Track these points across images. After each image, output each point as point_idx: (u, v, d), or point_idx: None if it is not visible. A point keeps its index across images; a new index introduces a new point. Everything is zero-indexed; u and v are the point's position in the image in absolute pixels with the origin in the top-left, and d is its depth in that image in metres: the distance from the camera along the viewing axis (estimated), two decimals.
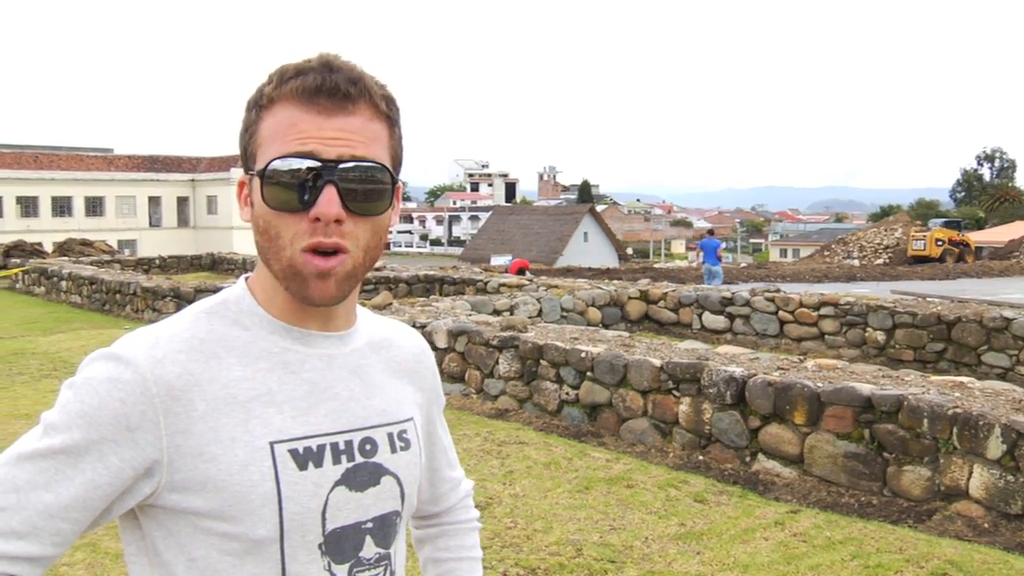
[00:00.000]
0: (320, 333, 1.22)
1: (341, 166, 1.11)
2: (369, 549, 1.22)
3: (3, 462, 1.08)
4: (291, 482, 1.13)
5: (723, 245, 21.59)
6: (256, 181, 1.14)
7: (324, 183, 1.10)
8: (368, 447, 1.22)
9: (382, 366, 1.31)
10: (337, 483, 1.17)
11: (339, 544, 1.18)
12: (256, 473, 1.11)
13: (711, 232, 24.57)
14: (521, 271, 21.20)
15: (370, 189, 1.14)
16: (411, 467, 1.28)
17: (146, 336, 1.14)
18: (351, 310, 1.28)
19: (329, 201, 1.10)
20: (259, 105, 1.16)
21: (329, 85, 1.12)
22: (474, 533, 1.52)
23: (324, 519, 1.16)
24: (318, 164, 1.11)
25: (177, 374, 1.11)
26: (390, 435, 1.26)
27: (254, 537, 1.12)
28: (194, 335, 1.15)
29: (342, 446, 1.19)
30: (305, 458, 1.15)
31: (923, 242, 37.73)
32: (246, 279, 1.25)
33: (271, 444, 1.13)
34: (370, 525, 1.21)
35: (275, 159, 1.11)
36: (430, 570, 1.49)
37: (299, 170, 1.11)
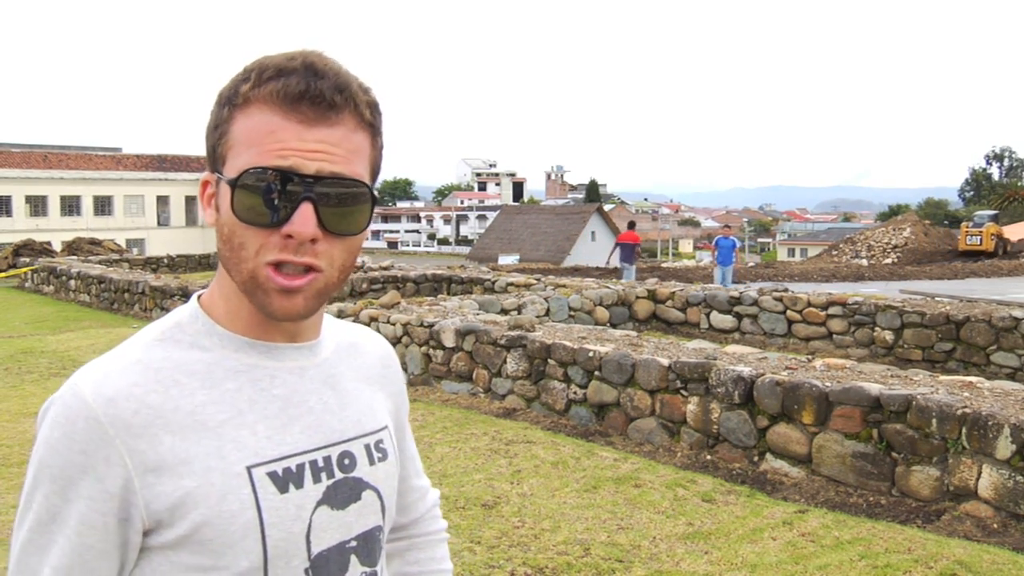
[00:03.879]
0: (288, 345, 1.16)
1: (320, 183, 1.04)
2: (355, 569, 1.17)
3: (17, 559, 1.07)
4: (273, 507, 1.08)
5: (737, 244, 21.15)
6: (225, 188, 1.07)
7: (300, 199, 1.04)
8: (347, 462, 1.17)
9: (352, 373, 1.25)
10: (319, 503, 1.12)
11: (326, 567, 1.13)
12: (235, 502, 1.05)
13: (727, 227, 24.47)
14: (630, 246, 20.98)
15: (348, 208, 1.07)
16: (390, 478, 1.24)
17: (94, 373, 1.07)
18: (318, 320, 1.21)
19: (304, 219, 1.03)
20: (233, 103, 1.07)
21: (313, 92, 1.04)
22: (443, 545, 1.47)
23: (309, 542, 1.11)
24: (296, 179, 1.04)
25: (134, 410, 1.04)
26: (367, 447, 1.21)
27: (236, 570, 1.06)
28: (148, 366, 1.08)
29: (321, 463, 1.14)
30: (285, 480, 1.10)
31: (979, 237, 39.11)
32: (198, 297, 1.18)
33: (248, 469, 1.07)
34: (354, 544, 1.17)
35: (250, 169, 1.04)
36: None
37: (275, 184, 1.04)
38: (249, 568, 1.06)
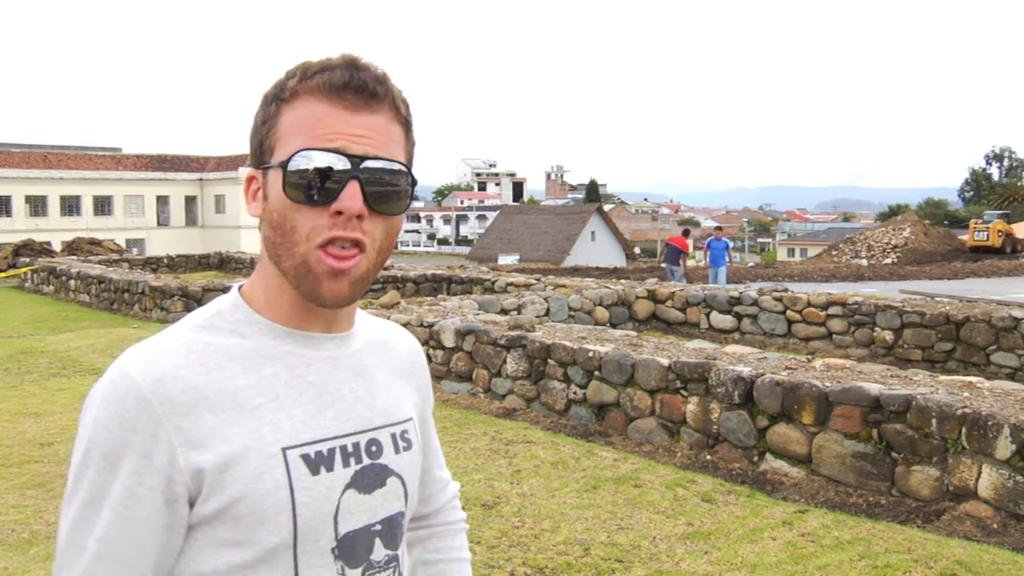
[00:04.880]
0: (324, 335, 1.22)
1: (365, 163, 1.12)
2: (379, 551, 1.22)
3: (65, 548, 1.10)
4: (304, 488, 1.13)
5: (731, 244, 20.83)
6: (275, 173, 1.14)
7: (348, 178, 1.11)
8: (374, 448, 1.23)
9: (382, 366, 1.31)
10: (348, 486, 1.18)
11: (352, 548, 1.19)
12: (270, 481, 1.11)
13: (719, 229, 24.09)
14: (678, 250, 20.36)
15: (391, 189, 1.15)
16: (413, 467, 1.29)
17: (140, 355, 1.12)
18: (352, 311, 1.28)
19: (352, 195, 1.11)
20: (280, 99, 1.16)
21: (356, 82, 1.13)
22: (462, 534, 1.53)
23: (336, 523, 1.16)
24: (344, 159, 1.11)
25: (180, 390, 1.10)
26: (393, 435, 1.27)
27: (267, 545, 1.11)
28: (191, 349, 1.14)
29: (350, 448, 1.20)
30: (317, 462, 1.16)
31: (986, 232, 39.46)
32: (239, 288, 1.24)
33: (283, 450, 1.13)
34: (379, 527, 1.22)
35: (300, 151, 1.11)
36: (420, 572, 1.48)
37: (324, 164, 1.11)
38: (279, 544, 1.12)
